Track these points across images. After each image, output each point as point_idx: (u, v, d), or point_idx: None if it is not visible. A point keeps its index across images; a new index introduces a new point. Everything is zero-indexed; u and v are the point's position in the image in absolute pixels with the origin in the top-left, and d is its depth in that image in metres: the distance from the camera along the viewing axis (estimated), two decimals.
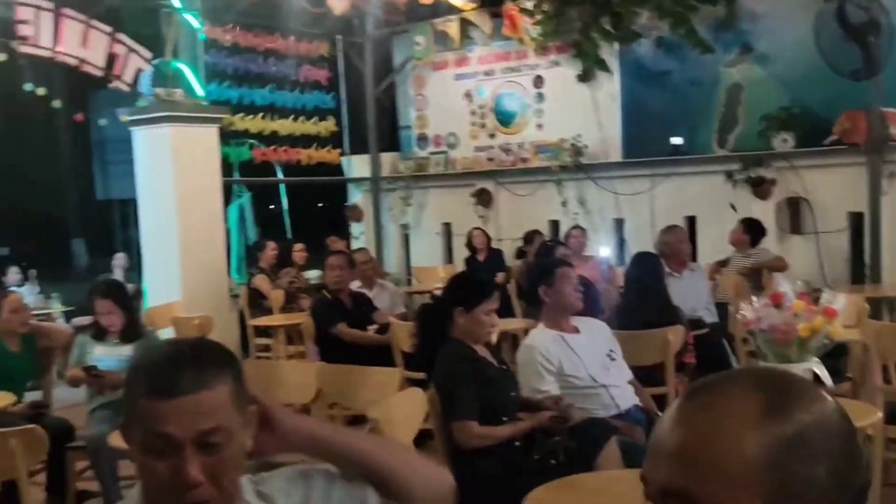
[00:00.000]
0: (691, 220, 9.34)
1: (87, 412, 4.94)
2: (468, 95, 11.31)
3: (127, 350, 4.96)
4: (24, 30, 7.90)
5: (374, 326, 6.53)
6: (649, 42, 9.70)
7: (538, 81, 10.77)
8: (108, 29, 8.50)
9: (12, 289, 8.17)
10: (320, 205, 23.48)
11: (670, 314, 5.44)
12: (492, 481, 3.59)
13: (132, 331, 5.02)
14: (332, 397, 4.72)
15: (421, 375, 4.51)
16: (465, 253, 10.22)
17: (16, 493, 4.09)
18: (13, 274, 9.75)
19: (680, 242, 6.85)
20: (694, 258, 8.06)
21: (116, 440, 3.88)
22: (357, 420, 5.32)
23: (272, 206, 12.68)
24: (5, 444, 3.34)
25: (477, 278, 4.49)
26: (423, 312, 4.47)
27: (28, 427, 3.63)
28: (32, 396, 5.28)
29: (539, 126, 10.80)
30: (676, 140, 9.54)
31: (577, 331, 4.33)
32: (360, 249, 8.75)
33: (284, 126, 10.79)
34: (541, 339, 4.23)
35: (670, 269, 6.35)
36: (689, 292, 6.32)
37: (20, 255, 16.37)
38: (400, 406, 3.61)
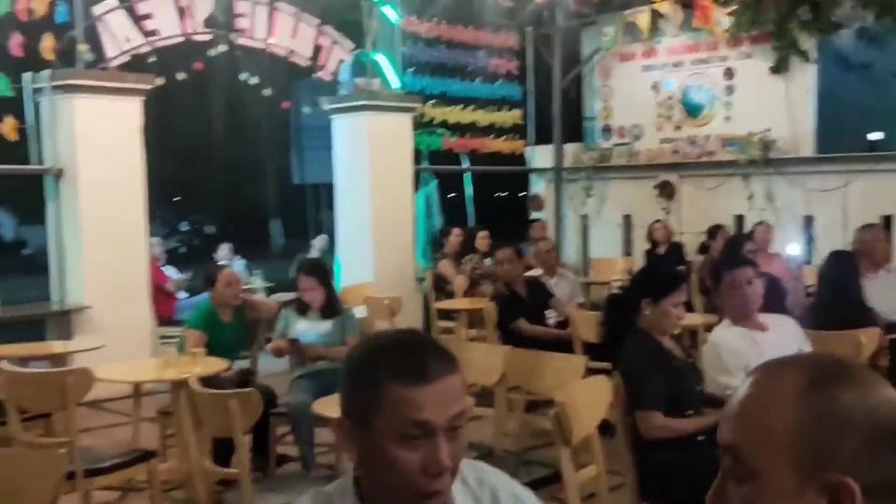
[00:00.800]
0: (887, 220, 8.87)
1: (290, 381, 5.24)
2: (655, 87, 11.14)
3: (326, 325, 5.25)
4: (241, 23, 8.44)
5: (552, 314, 6.57)
6: (850, 33, 9.24)
7: (728, 73, 10.48)
8: (315, 21, 8.94)
9: (224, 262, 8.70)
10: (502, 193, 23.67)
11: (865, 315, 5.22)
12: (674, 473, 3.58)
13: (331, 307, 5.31)
14: (516, 380, 4.81)
15: (604, 365, 4.54)
16: (645, 245, 10.10)
17: (226, 449, 4.45)
18: (224, 250, 10.36)
19: (878, 241, 6.53)
20: (888, 259, 7.66)
21: (318, 408, 4.14)
22: (536, 404, 5.43)
23: (453, 194, 12.92)
24: (225, 405, 3.63)
25: (666, 270, 4.46)
26: (610, 302, 4.48)
27: (246, 391, 3.93)
28: (240, 364, 5.67)
29: (727, 119, 10.51)
30: (875, 135, 9.07)
31: (765, 328, 4.24)
32: (544, 239, 8.82)
33: (473, 116, 10.97)
34: (727, 335, 4.16)
35: (865, 269, 6.08)
36: (886, 294, 6.03)
37: (224, 234, 17.44)
38: (583, 392, 3.65)
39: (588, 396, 3.60)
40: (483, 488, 1.57)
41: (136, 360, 6.17)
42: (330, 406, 4.24)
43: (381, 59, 9.62)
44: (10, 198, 26.69)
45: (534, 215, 11.96)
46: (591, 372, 4.62)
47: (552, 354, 4.68)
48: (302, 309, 5.34)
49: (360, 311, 7.55)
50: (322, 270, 5.53)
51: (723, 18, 9.99)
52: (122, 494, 4.65)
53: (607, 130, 11.71)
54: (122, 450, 4.55)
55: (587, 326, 5.83)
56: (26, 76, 7.53)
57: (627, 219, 11.36)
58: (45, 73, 7.45)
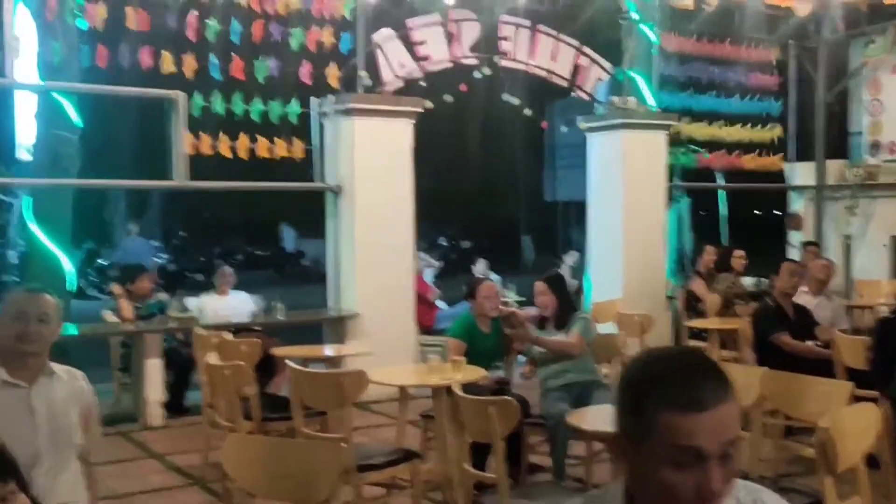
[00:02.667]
0: None
1: (542, 392, 5.30)
2: None
3: (561, 336, 5.29)
4: (504, 46, 8.68)
5: (813, 342, 6.20)
6: None
7: None
8: (574, 43, 9.02)
9: (482, 276, 8.95)
10: (756, 212, 22.63)
11: None
12: None
13: (565, 317, 5.36)
14: (774, 403, 4.60)
15: (870, 393, 4.24)
16: None
17: (482, 456, 4.56)
18: (481, 265, 10.69)
19: None
20: None
21: (571, 420, 4.16)
22: (793, 430, 5.14)
23: (704, 212, 12.52)
24: (485, 411, 3.74)
25: None
26: (881, 327, 4.18)
27: (505, 398, 4.02)
28: (497, 373, 5.80)
29: None
30: None
31: None
32: (823, 258, 8.33)
33: (729, 132, 10.61)
34: None
35: None
36: None
37: (479, 249, 17.91)
38: (850, 420, 3.41)
39: (855, 424, 3.37)
40: None
41: (403, 365, 6.46)
42: (583, 418, 4.26)
43: (638, 78, 9.54)
44: (292, 213, 28.87)
45: (794, 235, 11.36)
46: (855, 399, 4.34)
47: (815, 378, 4.42)
48: (541, 323, 5.42)
49: (609, 328, 7.53)
50: (556, 279, 5.62)
51: None
52: (387, 491, 4.85)
53: (875, 146, 10.91)
54: (389, 449, 4.79)
55: (852, 351, 5.46)
56: (314, 101, 8.16)
57: (895, 239, 10.51)
58: (330, 97, 8.05)
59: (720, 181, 11.25)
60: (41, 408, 3.01)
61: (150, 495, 5.40)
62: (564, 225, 27.78)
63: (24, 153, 8.99)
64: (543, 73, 8.90)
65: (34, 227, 9.36)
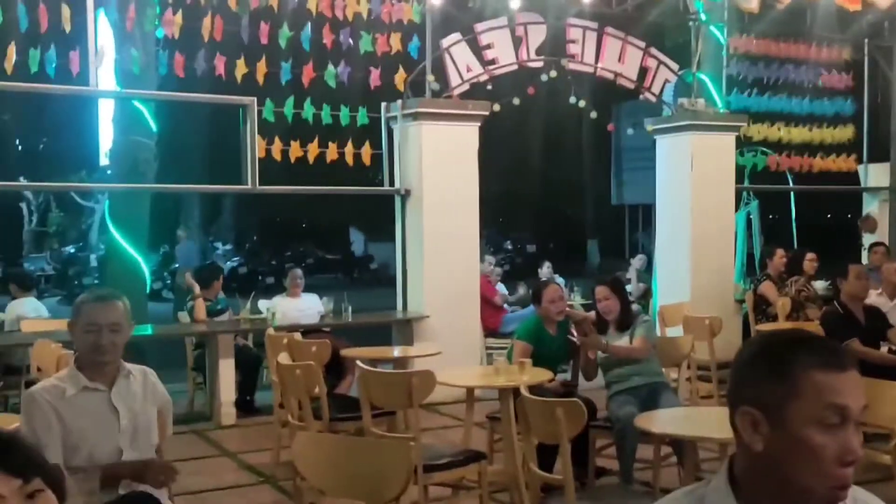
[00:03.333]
0: None
1: (608, 395, 5.25)
2: None
3: (624, 339, 5.22)
4: (571, 49, 8.63)
5: (886, 345, 6.02)
6: None
7: None
8: (641, 44, 8.93)
9: (546, 278, 8.91)
10: (828, 214, 22.11)
11: None
12: None
13: (627, 320, 5.30)
14: None
15: None
16: None
17: (548, 458, 4.54)
18: (546, 268, 10.67)
19: None
20: None
21: (639, 423, 4.11)
22: (867, 436, 5.00)
23: (774, 215, 12.28)
24: (551, 412, 3.72)
25: None
26: None
27: (571, 399, 4.00)
28: (563, 376, 5.77)
29: None
30: None
31: None
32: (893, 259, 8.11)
33: (799, 133, 10.38)
34: None
35: None
36: None
37: (544, 253, 17.85)
38: None
39: None
40: None
41: (470, 366, 6.47)
42: (651, 420, 4.21)
43: (706, 79, 9.40)
44: (361, 218, 29.18)
45: (867, 238, 11.05)
46: None
47: (890, 383, 4.29)
48: (602, 327, 5.36)
49: (676, 331, 7.42)
50: (616, 282, 5.57)
51: None
52: (453, 492, 4.86)
53: None
54: (456, 450, 4.79)
55: None
56: (383, 106, 8.23)
57: None
58: (398, 102, 8.11)
59: (790, 183, 11.01)
60: (123, 409, 3.10)
61: (224, 492, 5.49)
62: (631, 228, 27.49)
63: (104, 159, 9.28)
64: (610, 76, 8.82)
65: (113, 231, 9.64)
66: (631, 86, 8.96)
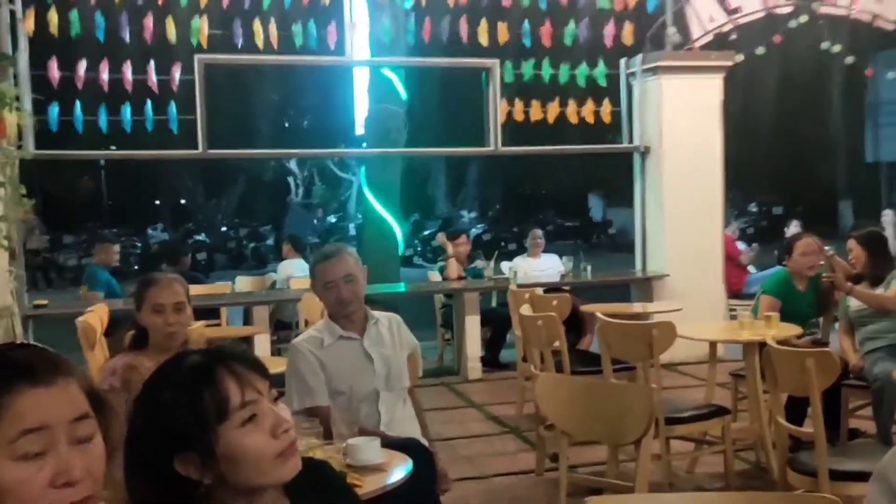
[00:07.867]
0: None
1: (862, 353, 4.86)
2: None
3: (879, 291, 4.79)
4: None
5: None
6: None
7: None
8: None
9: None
10: None
11: None
12: None
13: (880, 275, 4.86)
14: None
15: None
16: None
17: (797, 416, 4.27)
18: (794, 226, 10.08)
19: None
20: None
21: None
22: None
23: None
24: (801, 363, 3.48)
25: None
26: None
27: (824, 350, 3.74)
28: (813, 334, 5.40)
29: None
30: None
31: None
32: None
33: None
34: None
35: None
36: None
37: (792, 215, 16.77)
38: None
39: None
40: None
41: (712, 322, 6.24)
42: None
43: None
44: (600, 184, 28.90)
45: None
46: None
47: None
48: (856, 281, 4.95)
49: None
50: (868, 236, 5.06)
51: None
52: (696, 446, 4.71)
53: None
54: (698, 404, 4.63)
55: None
56: (622, 62, 8.02)
57: None
58: (637, 57, 7.88)
59: None
60: (376, 355, 3.24)
61: (470, 440, 5.65)
62: (889, 188, 25.24)
63: (359, 128, 9.76)
64: (868, 18, 8.05)
65: (370, 196, 10.12)
66: (891, 28, 8.13)
